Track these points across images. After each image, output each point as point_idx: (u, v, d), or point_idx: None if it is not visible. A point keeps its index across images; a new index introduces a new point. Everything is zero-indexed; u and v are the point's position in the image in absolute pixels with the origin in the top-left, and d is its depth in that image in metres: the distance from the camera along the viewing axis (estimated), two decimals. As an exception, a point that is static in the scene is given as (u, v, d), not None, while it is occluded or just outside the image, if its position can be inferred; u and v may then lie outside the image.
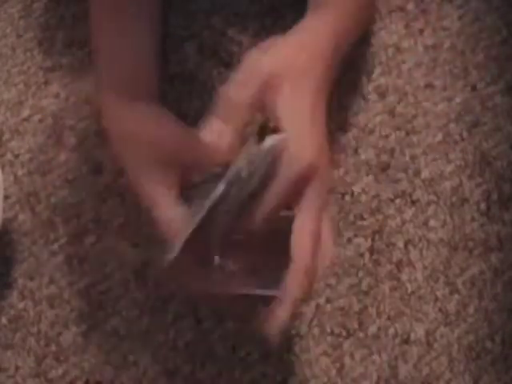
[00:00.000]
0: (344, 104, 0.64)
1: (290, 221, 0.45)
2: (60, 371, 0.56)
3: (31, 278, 0.59)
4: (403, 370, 0.56)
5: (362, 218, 0.60)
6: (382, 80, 0.65)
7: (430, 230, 0.60)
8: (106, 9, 0.56)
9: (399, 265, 0.59)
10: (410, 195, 0.61)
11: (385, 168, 0.62)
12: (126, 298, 0.58)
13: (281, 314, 0.44)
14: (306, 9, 0.57)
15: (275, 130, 0.47)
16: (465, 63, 0.66)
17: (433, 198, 0.61)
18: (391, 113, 0.64)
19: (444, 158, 0.62)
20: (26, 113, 0.64)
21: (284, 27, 0.67)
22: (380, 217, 0.60)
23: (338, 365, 0.56)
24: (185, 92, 0.64)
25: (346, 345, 0.57)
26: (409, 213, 0.60)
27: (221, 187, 0.43)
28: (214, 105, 0.47)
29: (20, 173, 0.62)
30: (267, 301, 0.45)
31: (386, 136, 0.63)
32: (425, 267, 0.59)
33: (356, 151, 0.63)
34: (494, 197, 0.61)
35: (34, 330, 0.57)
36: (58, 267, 0.59)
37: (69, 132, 0.64)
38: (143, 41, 0.56)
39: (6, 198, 0.61)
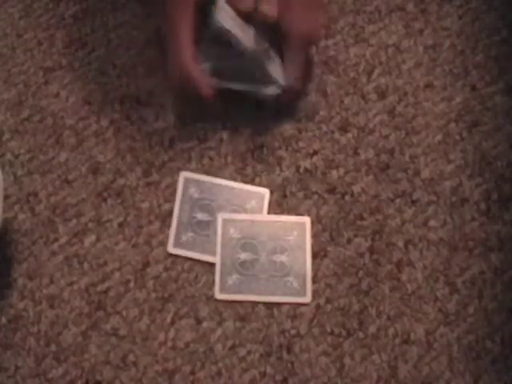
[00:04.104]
0: (344, 104, 0.64)
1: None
2: (60, 371, 0.56)
3: (31, 278, 0.59)
4: (403, 369, 0.56)
5: (362, 218, 0.60)
6: (382, 80, 0.65)
7: (430, 230, 0.60)
8: None
9: (399, 265, 0.59)
10: (410, 195, 0.61)
11: (385, 168, 0.62)
12: (126, 297, 0.58)
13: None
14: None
15: None
16: (465, 63, 0.66)
17: (433, 198, 0.61)
18: (391, 113, 0.64)
19: (444, 158, 0.62)
20: (26, 113, 0.64)
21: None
22: (380, 217, 0.60)
23: (338, 365, 0.56)
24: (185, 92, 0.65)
25: (346, 345, 0.57)
26: (409, 213, 0.61)
27: None
28: None
29: (20, 173, 0.62)
30: None
31: (386, 136, 0.63)
32: (425, 267, 0.59)
33: (356, 151, 0.63)
34: (494, 197, 0.61)
35: (34, 329, 0.57)
36: (57, 267, 0.59)
37: (69, 132, 0.64)
38: None
39: (6, 197, 0.61)
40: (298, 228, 0.60)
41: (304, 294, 0.58)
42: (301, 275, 0.58)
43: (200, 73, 0.58)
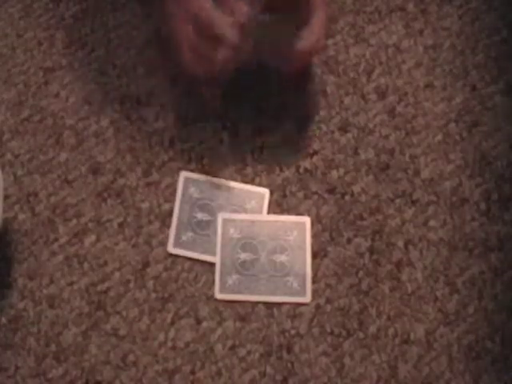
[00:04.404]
0: (344, 104, 0.64)
1: None
2: (60, 371, 0.56)
3: (31, 278, 0.59)
4: (403, 369, 0.56)
5: (362, 218, 0.60)
6: (382, 80, 0.65)
7: (430, 230, 0.60)
8: None
9: (399, 265, 0.59)
10: (410, 195, 0.61)
11: (385, 168, 0.62)
12: (126, 297, 0.58)
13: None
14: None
15: None
16: (465, 63, 0.66)
17: (433, 198, 0.61)
18: (391, 113, 0.64)
19: (444, 158, 0.62)
20: (26, 113, 0.64)
21: (284, 27, 0.67)
22: (380, 217, 0.60)
23: (337, 365, 0.56)
24: (185, 92, 0.64)
25: (346, 345, 0.57)
26: (409, 213, 0.61)
27: None
28: None
29: (20, 173, 0.62)
30: None
31: (386, 136, 0.63)
32: (425, 267, 0.59)
33: (356, 151, 0.63)
34: (494, 197, 0.61)
35: (34, 329, 0.57)
36: (57, 267, 0.59)
37: (69, 132, 0.64)
38: None
39: (6, 197, 0.61)
40: (298, 228, 0.60)
41: (304, 294, 0.58)
42: (301, 275, 0.58)
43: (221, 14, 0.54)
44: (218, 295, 0.58)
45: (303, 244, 0.59)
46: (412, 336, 0.57)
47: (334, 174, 0.62)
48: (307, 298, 0.58)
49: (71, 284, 0.59)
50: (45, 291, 0.58)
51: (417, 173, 0.62)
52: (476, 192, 0.61)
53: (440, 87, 0.65)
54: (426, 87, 0.65)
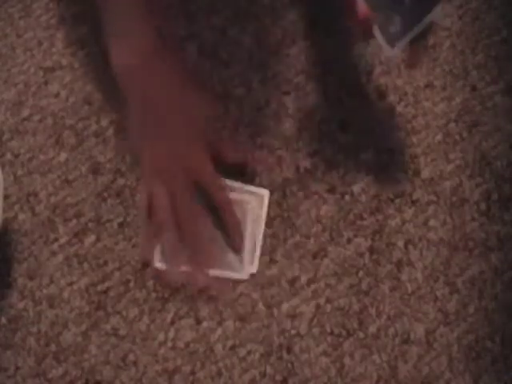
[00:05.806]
0: (344, 104, 0.64)
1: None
2: (60, 371, 0.56)
3: (31, 278, 0.59)
4: (403, 369, 0.56)
5: (362, 218, 0.60)
6: (382, 80, 0.65)
7: (430, 230, 0.60)
8: None
9: (399, 265, 0.59)
10: (410, 195, 0.61)
11: (385, 168, 0.62)
12: (126, 297, 0.58)
13: None
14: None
15: None
16: (465, 63, 0.66)
17: (433, 198, 0.61)
18: (391, 113, 0.64)
19: (444, 158, 0.62)
20: (26, 113, 0.64)
21: (284, 27, 0.67)
22: (380, 217, 0.60)
23: (338, 365, 0.56)
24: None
25: (346, 345, 0.57)
26: (409, 213, 0.61)
27: None
28: None
29: (20, 173, 0.62)
30: None
31: (386, 136, 0.63)
32: (425, 267, 0.59)
33: (356, 151, 0.63)
34: (494, 197, 0.61)
35: (34, 329, 0.57)
36: (57, 267, 0.59)
37: (69, 132, 0.64)
38: None
39: (6, 197, 0.61)
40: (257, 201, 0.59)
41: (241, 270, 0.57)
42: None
43: None
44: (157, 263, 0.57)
45: (259, 218, 0.59)
46: (412, 336, 0.57)
47: (334, 174, 0.62)
48: (244, 275, 0.57)
49: (71, 284, 0.59)
50: (45, 291, 0.58)
51: (417, 173, 0.62)
52: (476, 192, 0.61)
53: (440, 87, 0.65)
54: (425, 87, 0.65)
